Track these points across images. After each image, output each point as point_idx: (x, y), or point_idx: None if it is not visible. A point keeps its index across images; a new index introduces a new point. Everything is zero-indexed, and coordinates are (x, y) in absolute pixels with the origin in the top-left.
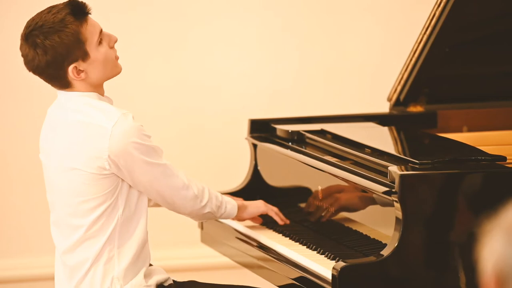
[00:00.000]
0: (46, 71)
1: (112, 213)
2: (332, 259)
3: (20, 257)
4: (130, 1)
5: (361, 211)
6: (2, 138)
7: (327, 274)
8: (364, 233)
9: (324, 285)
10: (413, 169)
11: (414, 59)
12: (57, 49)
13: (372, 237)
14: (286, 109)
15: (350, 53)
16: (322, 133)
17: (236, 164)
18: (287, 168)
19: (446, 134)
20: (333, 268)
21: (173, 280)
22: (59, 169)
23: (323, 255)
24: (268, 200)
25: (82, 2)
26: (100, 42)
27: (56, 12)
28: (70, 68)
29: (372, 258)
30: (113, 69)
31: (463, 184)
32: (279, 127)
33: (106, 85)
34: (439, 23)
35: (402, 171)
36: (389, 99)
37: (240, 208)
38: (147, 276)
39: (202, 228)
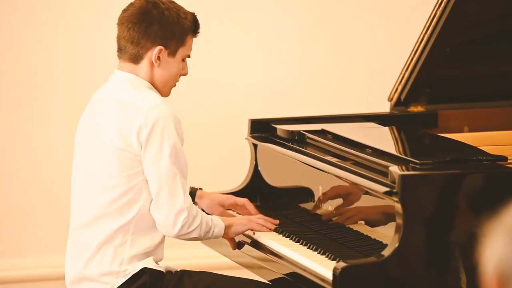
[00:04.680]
0: (140, 32)
1: (133, 200)
2: (333, 260)
3: (20, 257)
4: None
5: (362, 211)
6: (2, 139)
7: (328, 274)
8: (365, 233)
9: (325, 285)
10: (414, 169)
11: (415, 59)
12: (168, 24)
13: (372, 237)
14: (287, 109)
15: (351, 53)
16: (322, 133)
17: (236, 164)
18: (287, 168)
19: (447, 134)
20: (334, 268)
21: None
22: (90, 144)
23: (324, 256)
24: (268, 200)
25: (199, 23)
26: (183, 60)
27: (185, 10)
28: (158, 48)
29: (372, 259)
30: (167, 89)
31: (464, 185)
32: (280, 127)
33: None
34: (440, 23)
35: (403, 171)
36: (389, 99)
37: (226, 229)
38: (157, 262)
39: None
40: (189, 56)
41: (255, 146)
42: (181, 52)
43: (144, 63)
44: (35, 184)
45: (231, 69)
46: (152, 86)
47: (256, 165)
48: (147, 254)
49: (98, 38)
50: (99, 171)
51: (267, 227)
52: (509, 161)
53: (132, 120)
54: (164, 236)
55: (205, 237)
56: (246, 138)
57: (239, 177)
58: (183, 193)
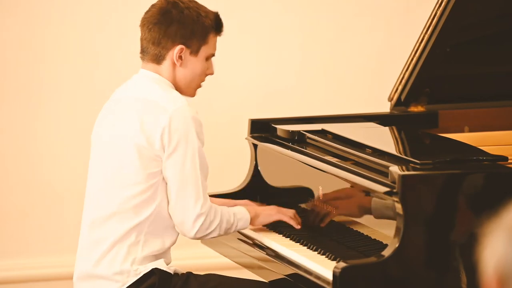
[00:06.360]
0: (160, 32)
1: (150, 200)
2: (333, 260)
3: (20, 257)
4: (129, 0)
5: (362, 212)
6: (3, 139)
7: (328, 274)
8: (365, 233)
9: (325, 285)
10: (414, 169)
11: (415, 59)
12: (187, 24)
13: (373, 237)
14: (287, 109)
15: (351, 53)
16: (323, 133)
17: (236, 164)
18: (287, 168)
19: (447, 134)
20: (334, 268)
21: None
22: (110, 140)
23: (324, 256)
24: (268, 201)
25: (222, 22)
26: (207, 59)
27: (207, 9)
28: (179, 47)
29: (373, 259)
30: (192, 89)
31: (464, 185)
32: (280, 127)
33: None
34: (440, 23)
35: (403, 171)
36: (390, 99)
37: (252, 220)
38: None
39: None
40: (213, 55)
41: (255, 146)
42: (204, 50)
43: (166, 63)
44: (35, 184)
45: (231, 69)
46: (174, 87)
47: (256, 165)
48: (157, 257)
49: (100, 42)
50: (119, 168)
51: (296, 222)
52: (509, 161)
53: (157, 121)
54: (175, 240)
55: (227, 234)
56: (246, 138)
57: (239, 177)
58: (203, 198)
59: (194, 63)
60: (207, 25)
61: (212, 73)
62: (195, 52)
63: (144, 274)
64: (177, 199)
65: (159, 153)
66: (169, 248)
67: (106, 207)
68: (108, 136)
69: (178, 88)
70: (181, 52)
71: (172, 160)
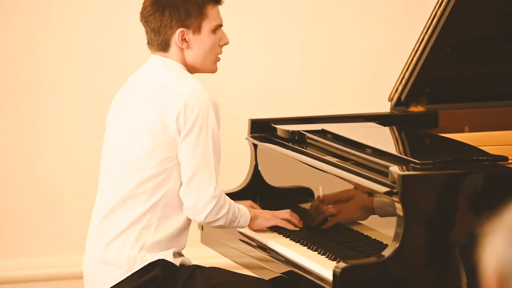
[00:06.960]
0: (157, 22)
1: (163, 182)
2: (333, 260)
3: (20, 257)
4: (129, 0)
5: (362, 212)
6: (2, 138)
7: (328, 274)
8: (365, 233)
9: (325, 285)
10: (414, 169)
11: (415, 59)
12: (179, 6)
13: (373, 237)
14: (287, 109)
15: (351, 53)
16: (323, 133)
17: (236, 164)
18: (287, 168)
19: (447, 134)
20: (334, 268)
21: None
22: (124, 125)
23: (324, 256)
24: (268, 201)
25: None
26: (214, 32)
27: None
28: (178, 31)
29: (373, 259)
30: (209, 64)
31: (464, 185)
32: (280, 127)
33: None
34: (440, 23)
35: (403, 171)
36: (390, 99)
37: (251, 220)
38: (175, 256)
39: (202, 228)
40: (221, 25)
41: (255, 146)
42: (206, 25)
43: (173, 49)
44: (35, 184)
45: (231, 69)
46: (186, 69)
47: (256, 165)
48: (169, 242)
49: (100, 42)
50: (133, 152)
51: (292, 223)
52: (509, 161)
53: (172, 104)
54: (189, 224)
55: (230, 226)
56: (246, 138)
57: (239, 177)
58: (215, 181)
59: (200, 41)
60: (200, 0)
61: (227, 42)
62: (197, 30)
63: (149, 264)
64: (189, 181)
65: (175, 136)
66: (183, 230)
67: (118, 192)
68: (122, 121)
69: (194, 69)
70: (183, 35)
71: (186, 142)
